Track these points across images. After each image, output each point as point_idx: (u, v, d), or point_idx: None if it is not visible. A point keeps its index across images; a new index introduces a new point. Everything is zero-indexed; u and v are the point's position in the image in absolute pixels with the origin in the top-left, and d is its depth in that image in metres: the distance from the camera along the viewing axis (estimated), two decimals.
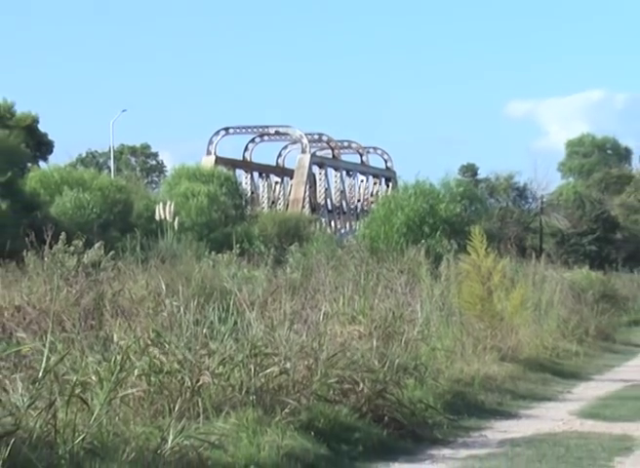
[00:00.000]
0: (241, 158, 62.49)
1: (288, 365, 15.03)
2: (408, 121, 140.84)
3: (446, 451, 15.12)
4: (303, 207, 59.15)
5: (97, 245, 19.17)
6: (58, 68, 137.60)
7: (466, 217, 44.04)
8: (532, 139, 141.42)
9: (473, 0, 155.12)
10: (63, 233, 19.01)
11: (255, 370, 14.53)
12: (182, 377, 13.73)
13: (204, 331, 15.35)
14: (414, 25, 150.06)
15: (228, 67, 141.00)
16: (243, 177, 59.35)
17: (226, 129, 62.78)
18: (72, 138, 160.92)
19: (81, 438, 11.06)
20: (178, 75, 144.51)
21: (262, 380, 14.45)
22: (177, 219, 43.45)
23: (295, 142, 63.97)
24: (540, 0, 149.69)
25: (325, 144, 65.17)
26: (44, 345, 12.60)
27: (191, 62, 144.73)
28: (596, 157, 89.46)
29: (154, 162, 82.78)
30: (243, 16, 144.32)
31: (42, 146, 62.58)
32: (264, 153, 60.71)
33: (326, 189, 64.74)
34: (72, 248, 18.17)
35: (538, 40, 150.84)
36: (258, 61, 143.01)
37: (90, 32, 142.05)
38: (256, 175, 62.77)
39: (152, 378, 13.47)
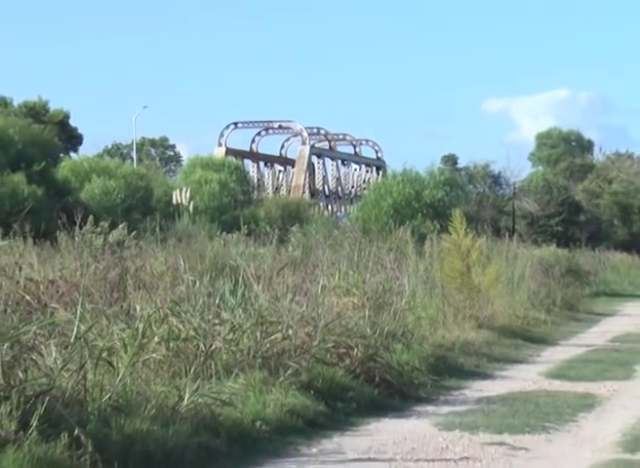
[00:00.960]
0: (248, 149, 62.34)
1: (290, 332, 15.08)
2: (396, 115, 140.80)
3: (430, 408, 15.14)
4: (304, 192, 59.03)
5: (121, 226, 19.14)
6: (85, 68, 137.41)
7: (448, 202, 43.97)
8: (505, 133, 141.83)
9: (457, 6, 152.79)
10: (91, 216, 18.98)
11: (261, 336, 14.58)
12: (197, 343, 13.76)
13: (216, 302, 15.37)
14: (403, 31, 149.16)
15: (237, 68, 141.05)
16: (250, 167, 59.20)
17: (235, 123, 62.62)
18: (99, 132, 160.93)
19: (108, 396, 11.05)
20: (192, 75, 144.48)
21: (268, 345, 14.48)
22: (191, 204, 43.37)
23: (296, 135, 63.84)
24: (509, 8, 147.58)
25: (322, 137, 65.09)
26: (75, 315, 12.59)
27: (205, 63, 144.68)
28: (562, 148, 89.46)
29: (172, 153, 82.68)
30: (250, 19, 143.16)
31: (73, 139, 62.42)
32: (269, 145, 60.89)
33: (324, 177, 64.67)
34: (99, 228, 18.15)
35: (510, 43, 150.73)
36: (264, 63, 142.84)
37: (112, 34, 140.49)
38: (261, 164, 62.64)
39: (170, 344, 13.47)
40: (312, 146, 63.08)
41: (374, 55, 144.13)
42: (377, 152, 68.61)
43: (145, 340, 13.13)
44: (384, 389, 15.60)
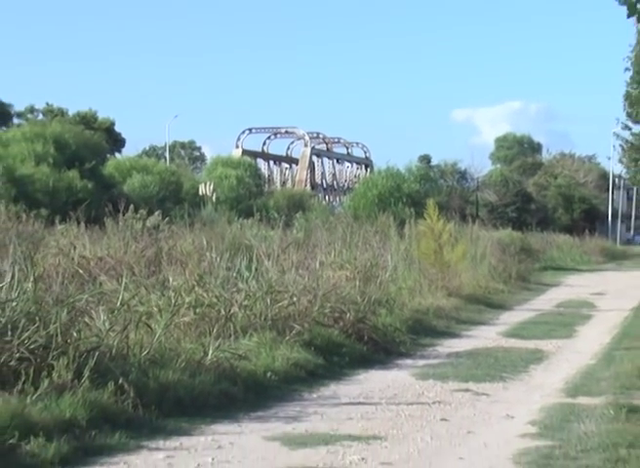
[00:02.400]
0: (260, 150, 62.21)
1: (294, 299, 15.06)
2: (382, 122, 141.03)
3: (408, 361, 15.13)
4: (305, 186, 58.98)
5: (156, 213, 19.10)
6: (128, 82, 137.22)
7: (423, 193, 43.81)
8: (470, 137, 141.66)
9: (432, 35, 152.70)
10: (132, 205, 18.96)
11: (270, 303, 14.56)
12: (218, 308, 13.77)
13: (234, 275, 15.40)
14: (391, 53, 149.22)
15: (251, 82, 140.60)
16: (262, 165, 59.08)
17: (250, 129, 62.58)
18: (139, 136, 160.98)
19: (146, 352, 11.06)
20: (215, 88, 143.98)
21: (276, 310, 14.46)
22: (214, 195, 43.28)
23: (299, 139, 63.77)
24: (474, 35, 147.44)
25: (321, 140, 64.98)
26: (119, 285, 12.59)
27: (225, 78, 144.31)
28: (516, 149, 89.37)
29: (198, 153, 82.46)
30: (259, 43, 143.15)
31: (117, 142, 62.32)
32: (277, 147, 60.98)
33: (322, 173, 64.59)
34: (139, 215, 18.13)
35: (473, 63, 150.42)
36: (273, 79, 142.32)
37: (150, 55, 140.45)
38: (271, 162, 62.55)
39: (197, 309, 13.49)
40: (312, 148, 63.07)
41: (366, 71, 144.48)
42: (365, 153, 68.57)
43: (177, 306, 13.15)
44: (371, 346, 15.59)
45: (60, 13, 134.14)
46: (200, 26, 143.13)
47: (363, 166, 66.38)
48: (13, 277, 10.55)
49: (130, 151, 62.46)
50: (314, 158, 64.05)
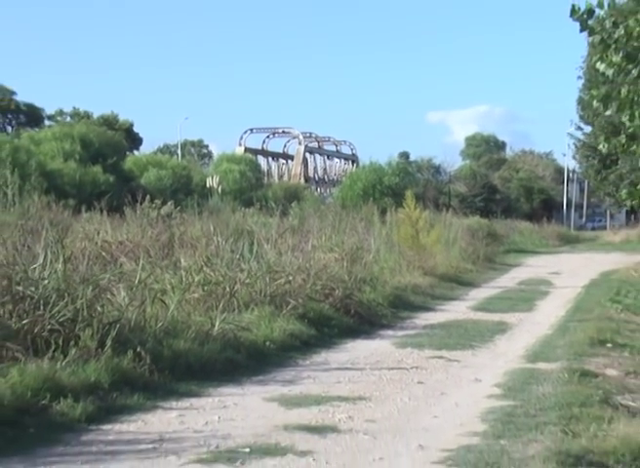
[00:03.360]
0: (260, 148, 62.15)
1: (290, 278, 15.08)
2: (367, 122, 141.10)
3: (389, 332, 15.15)
4: (300, 179, 58.96)
5: (169, 203, 19.08)
6: (146, 88, 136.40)
7: (402, 185, 43.77)
8: (443, 136, 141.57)
9: (411, 43, 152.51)
10: (148, 196, 18.93)
11: (269, 281, 14.58)
12: (224, 286, 13.77)
13: (237, 256, 15.39)
14: (375, 62, 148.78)
15: (252, 87, 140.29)
16: (262, 161, 58.98)
17: (251, 129, 62.51)
18: (154, 135, 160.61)
19: (160, 324, 11.05)
20: (221, 93, 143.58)
21: (274, 288, 14.47)
22: (220, 187, 43.27)
23: (294, 138, 63.73)
24: (444, 42, 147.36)
25: (313, 139, 64.99)
26: (137, 266, 12.58)
27: (229, 85, 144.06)
28: (483, 147, 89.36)
29: (205, 151, 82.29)
30: (258, 50, 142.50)
31: (135, 141, 62.25)
32: (275, 145, 60.86)
33: (314, 168, 64.62)
34: (154, 205, 18.09)
35: (445, 72, 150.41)
36: (271, 83, 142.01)
37: (165, 62, 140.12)
38: (270, 159, 62.48)
39: (205, 287, 13.49)
40: (306, 146, 63.11)
41: (354, 78, 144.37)
42: (352, 150, 68.55)
43: (187, 284, 13.19)
44: (357, 319, 15.62)
45: (84, 28, 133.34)
46: (208, 41, 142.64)
47: (350, 161, 66.38)
48: (45, 258, 10.56)
49: (146, 149, 62.50)
50: (307, 155, 64.08)
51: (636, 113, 17.55)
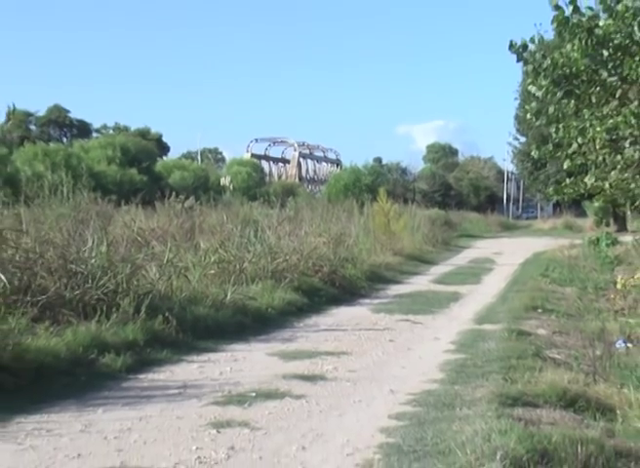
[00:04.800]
0: (263, 154, 61.99)
1: (287, 257, 15.09)
2: (349, 133, 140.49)
3: (367, 301, 15.16)
4: (295, 179, 58.88)
5: (191, 198, 19.07)
6: (174, 103, 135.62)
7: (376, 183, 43.76)
8: (409, 145, 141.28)
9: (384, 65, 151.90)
10: (174, 192, 18.94)
11: (270, 260, 14.59)
12: (235, 264, 13.80)
13: (245, 240, 15.39)
14: (358, 77, 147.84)
15: (257, 106, 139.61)
16: (264, 164, 58.71)
17: (256, 139, 62.29)
18: (179, 143, 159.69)
19: (184, 294, 11.06)
20: (234, 109, 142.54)
21: (274, 265, 14.47)
22: (231, 185, 43.34)
23: (290, 145, 63.60)
24: (409, 67, 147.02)
25: (306, 146, 64.83)
26: (165, 248, 12.55)
27: (237, 101, 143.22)
28: (441, 154, 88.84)
29: (220, 156, 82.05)
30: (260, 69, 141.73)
31: (164, 149, 62.00)
32: (275, 151, 60.76)
33: (306, 170, 64.42)
34: (179, 199, 18.07)
35: (410, 91, 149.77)
36: (273, 100, 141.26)
37: (187, 81, 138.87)
38: (271, 162, 62.22)
39: (219, 265, 13.48)
40: (300, 152, 63.03)
41: (339, 95, 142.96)
42: (336, 155, 68.28)
43: (205, 262, 13.16)
44: (341, 290, 15.63)
45: (124, 58, 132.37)
46: (221, 68, 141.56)
47: (335, 164, 66.10)
48: (92, 242, 10.53)
49: (173, 155, 62.41)
50: (301, 159, 63.97)
51: (560, 126, 17.58)
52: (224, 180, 45.76)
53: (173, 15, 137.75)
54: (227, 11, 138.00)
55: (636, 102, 16.64)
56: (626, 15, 16.09)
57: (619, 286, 14.61)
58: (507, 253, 29.29)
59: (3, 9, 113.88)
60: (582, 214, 53.96)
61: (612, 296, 14.29)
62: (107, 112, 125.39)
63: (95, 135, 62.11)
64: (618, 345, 9.70)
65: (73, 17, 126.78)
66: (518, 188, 76.69)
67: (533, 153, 20.96)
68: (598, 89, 16.88)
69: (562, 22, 16.57)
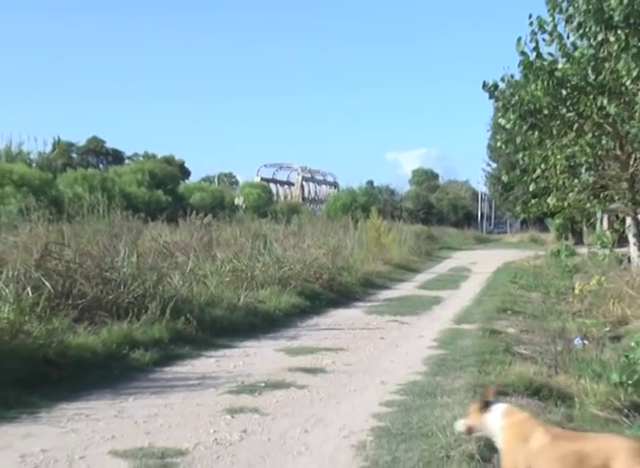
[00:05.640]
0: (271, 177, 62.03)
1: (292, 266, 15.10)
2: (346, 160, 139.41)
3: (360, 303, 15.14)
4: (298, 199, 58.94)
5: (209, 216, 19.01)
6: (193, 134, 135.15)
7: (369, 203, 43.78)
8: (397, 169, 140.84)
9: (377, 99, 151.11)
10: (194, 211, 18.90)
11: (277, 268, 14.59)
12: (247, 272, 13.78)
13: (255, 252, 15.40)
14: (351, 105, 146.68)
15: (266, 136, 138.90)
16: (272, 186, 58.75)
17: (265, 165, 62.23)
18: (199, 169, 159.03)
19: (203, 298, 11.08)
20: (245, 139, 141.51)
21: (281, 273, 14.48)
22: (244, 204, 43.41)
23: (294, 170, 63.74)
24: (399, 101, 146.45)
25: (308, 171, 64.86)
26: (187, 259, 12.56)
27: (248, 132, 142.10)
28: (424, 177, 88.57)
29: (234, 179, 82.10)
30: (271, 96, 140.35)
31: (186, 173, 62.03)
32: (281, 175, 60.65)
33: (308, 191, 64.44)
34: (199, 216, 18.05)
35: (399, 123, 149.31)
36: (279, 131, 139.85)
37: (208, 109, 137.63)
38: (278, 185, 62.21)
39: (233, 273, 13.48)
40: (303, 176, 63.11)
41: (338, 127, 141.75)
42: (334, 178, 68.25)
43: (221, 271, 13.18)
44: (338, 294, 15.62)
45: (151, 93, 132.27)
46: (237, 101, 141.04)
47: (333, 186, 66.11)
48: (124, 254, 10.54)
49: (193, 178, 62.39)
50: (304, 182, 63.96)
51: (526, 155, 17.65)
52: (238, 200, 45.88)
53: (193, 58, 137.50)
54: (242, 57, 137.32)
55: (590, 134, 16.75)
56: (582, 60, 16.22)
57: (576, 291, 14.58)
58: (481, 262, 29.29)
59: (48, 55, 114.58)
60: (545, 229, 53.92)
61: (571, 300, 14.28)
62: (138, 142, 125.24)
63: (127, 161, 62.21)
64: (576, 342, 9.68)
65: (108, 62, 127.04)
66: (490, 207, 76.70)
67: (503, 177, 21.14)
68: (558, 122, 17.03)
69: (527, 66, 16.72)
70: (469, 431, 4.26)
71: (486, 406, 4.05)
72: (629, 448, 3.41)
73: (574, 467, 3.46)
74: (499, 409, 4.02)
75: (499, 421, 3.94)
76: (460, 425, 4.31)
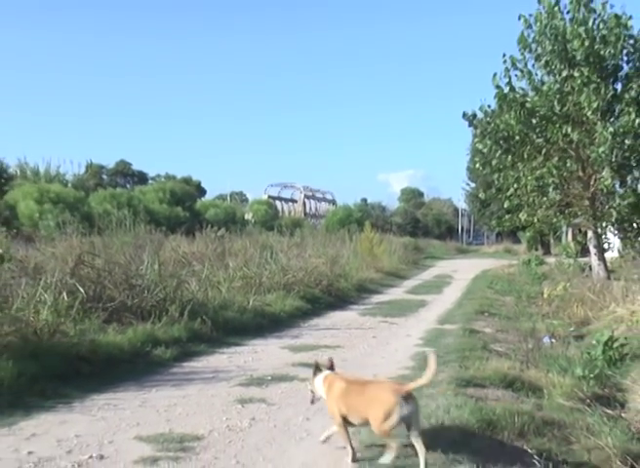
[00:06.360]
0: (277, 195, 62.02)
1: (295, 274, 15.05)
2: (343, 180, 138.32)
3: (355, 306, 15.09)
4: (301, 215, 58.92)
5: (222, 229, 19.03)
6: (210, 158, 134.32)
7: (363, 218, 43.78)
8: (387, 188, 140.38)
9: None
10: (209, 225, 18.91)
11: (282, 275, 14.56)
12: (255, 278, 13.74)
13: (263, 260, 15.36)
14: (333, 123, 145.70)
15: (272, 155, 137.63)
16: (278, 203, 58.72)
17: (271, 184, 62.21)
18: (214, 188, 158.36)
19: (217, 302, 11.03)
20: (254, 161, 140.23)
21: (285, 280, 14.44)
22: (253, 219, 43.41)
23: (297, 189, 63.72)
24: (389, 128, 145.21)
25: (309, 190, 64.77)
26: (203, 267, 12.55)
27: (257, 154, 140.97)
28: (411, 195, 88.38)
29: (244, 197, 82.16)
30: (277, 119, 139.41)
31: (202, 192, 62.01)
32: (286, 193, 60.43)
33: (310, 207, 64.41)
34: (213, 230, 18.06)
35: (388, 147, 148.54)
36: (283, 154, 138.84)
37: (219, 134, 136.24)
38: (283, 202, 62.21)
39: (244, 279, 13.45)
40: (305, 194, 63.09)
41: (336, 150, 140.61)
42: (332, 196, 68.09)
43: (233, 277, 13.15)
44: (336, 298, 15.58)
45: (172, 122, 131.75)
46: (242, 132, 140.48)
47: (331, 203, 66.04)
48: (148, 262, 10.54)
49: (209, 196, 62.32)
50: (305, 200, 63.88)
51: (500, 175, 17.73)
52: (247, 216, 45.88)
53: (209, 87, 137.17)
54: (250, 86, 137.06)
55: (557, 158, 16.87)
56: (549, 93, 16.38)
57: (545, 295, 14.60)
58: (462, 270, 29.26)
59: (82, 89, 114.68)
60: (518, 241, 53.93)
61: (540, 304, 14.29)
62: (160, 164, 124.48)
63: (150, 181, 62.28)
64: (544, 341, 9.68)
65: (130, 89, 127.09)
66: (469, 221, 76.71)
67: (480, 195, 21.22)
68: (529, 147, 17.13)
69: (501, 98, 16.86)
70: (312, 394, 5.04)
71: (316, 373, 4.96)
72: (389, 387, 4.54)
73: (357, 397, 4.59)
74: (322, 375, 4.93)
75: (320, 382, 4.89)
76: (309, 391, 5.10)
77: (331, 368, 5.00)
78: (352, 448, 4.66)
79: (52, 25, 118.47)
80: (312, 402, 5.07)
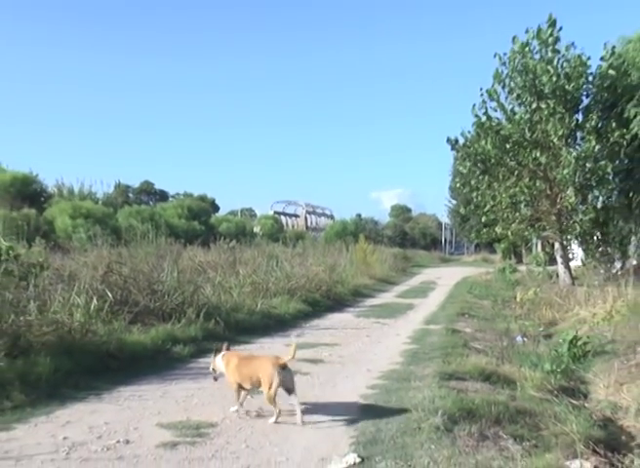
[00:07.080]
0: (282, 211, 62.04)
1: (298, 280, 15.04)
2: (340, 198, 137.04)
3: (351, 309, 15.05)
4: (303, 228, 59.00)
5: (233, 241, 19.02)
6: (223, 178, 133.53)
7: (357, 231, 43.83)
8: (378, 205, 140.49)
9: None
10: (222, 237, 18.91)
11: (287, 281, 14.54)
12: (262, 284, 13.72)
13: (269, 268, 15.37)
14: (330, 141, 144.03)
15: (277, 176, 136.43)
16: (282, 218, 58.78)
17: (277, 201, 62.45)
18: (226, 204, 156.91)
19: (229, 305, 11.03)
20: (261, 180, 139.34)
21: (289, 285, 14.43)
22: (261, 232, 43.40)
23: (300, 206, 63.80)
24: (381, 150, 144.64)
25: (310, 206, 64.83)
26: (217, 274, 12.55)
27: (262, 174, 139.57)
28: (400, 211, 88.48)
29: (253, 212, 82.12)
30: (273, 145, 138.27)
31: (216, 208, 62.09)
32: (290, 209, 60.32)
33: (311, 222, 64.44)
34: (225, 242, 18.06)
35: (380, 168, 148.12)
36: (287, 174, 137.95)
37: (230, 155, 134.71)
38: (287, 217, 62.24)
39: (252, 285, 13.44)
40: (306, 210, 63.15)
41: (333, 172, 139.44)
42: (331, 212, 68.01)
43: (243, 283, 13.14)
44: (334, 302, 15.57)
45: (189, 145, 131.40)
46: (251, 154, 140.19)
47: (330, 218, 66.08)
48: (168, 270, 10.56)
49: (222, 212, 62.39)
50: (307, 215, 63.96)
51: (478, 194, 17.81)
52: (256, 229, 45.87)
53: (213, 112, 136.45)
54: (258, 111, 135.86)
55: (527, 179, 17.00)
56: (520, 122, 16.54)
57: (518, 299, 14.59)
58: (445, 277, 29.22)
59: (107, 113, 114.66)
60: (494, 251, 53.82)
61: (513, 306, 14.28)
62: (179, 183, 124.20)
63: (170, 199, 62.32)
64: (517, 339, 9.68)
65: (155, 118, 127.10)
66: (451, 234, 76.68)
67: (461, 211, 21.33)
68: (503, 169, 17.24)
69: (479, 126, 17.00)
70: (214, 371, 5.56)
71: (217, 353, 5.53)
72: (270, 360, 5.09)
73: (247, 368, 5.20)
74: (220, 354, 5.50)
75: (220, 360, 5.46)
76: (210, 368, 5.61)
77: (227, 349, 5.59)
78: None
79: (95, 47, 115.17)
80: (215, 379, 5.61)
